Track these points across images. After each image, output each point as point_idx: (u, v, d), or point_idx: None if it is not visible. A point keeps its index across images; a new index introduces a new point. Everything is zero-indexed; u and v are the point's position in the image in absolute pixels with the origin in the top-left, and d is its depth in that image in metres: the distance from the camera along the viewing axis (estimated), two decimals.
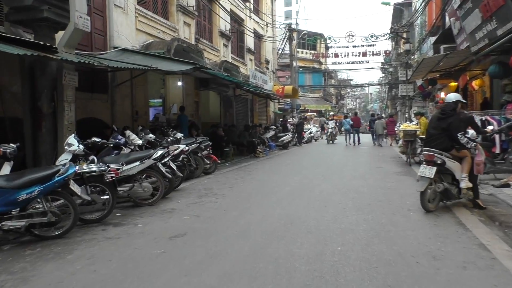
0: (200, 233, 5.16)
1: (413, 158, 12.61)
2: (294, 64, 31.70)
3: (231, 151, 15.38)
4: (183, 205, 6.92)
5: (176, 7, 15.22)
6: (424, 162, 6.31)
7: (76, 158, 6.34)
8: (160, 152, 6.96)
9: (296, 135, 24.30)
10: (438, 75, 16.71)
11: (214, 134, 15.37)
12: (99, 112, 11.09)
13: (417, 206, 6.34)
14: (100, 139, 6.98)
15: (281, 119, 27.86)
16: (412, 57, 27.02)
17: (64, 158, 6.20)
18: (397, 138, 21.98)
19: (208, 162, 10.66)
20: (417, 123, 15.05)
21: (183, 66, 10.84)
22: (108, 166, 5.86)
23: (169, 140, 10.23)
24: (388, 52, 36.15)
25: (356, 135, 23.29)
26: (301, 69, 43.69)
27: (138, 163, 6.68)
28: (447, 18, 15.49)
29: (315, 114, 46.38)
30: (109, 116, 11.57)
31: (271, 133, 21.26)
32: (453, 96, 6.56)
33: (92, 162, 6.33)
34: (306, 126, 30.09)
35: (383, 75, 61.39)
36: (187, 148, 9.18)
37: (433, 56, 12.08)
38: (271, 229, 5.29)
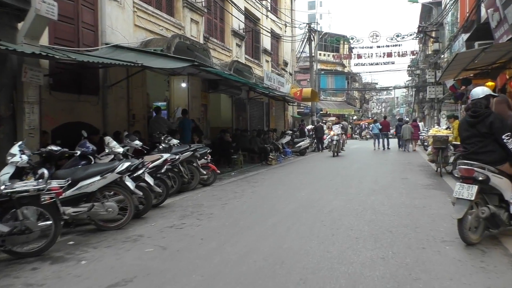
0: (152, 279, 3.74)
1: (445, 167, 10.87)
2: (314, 66, 30.10)
3: (239, 158, 13.98)
4: (156, 230, 5.54)
5: (183, 3, 13.97)
6: (460, 180, 4.74)
7: (22, 172, 5.09)
8: (126, 164, 5.59)
9: (316, 140, 22.71)
10: (472, 75, 14.83)
11: (221, 139, 14.03)
12: (87, 115, 9.89)
13: (454, 234, 4.77)
14: (59, 148, 5.69)
15: (299, 124, 26.29)
16: (442, 56, 24.99)
17: (5, 172, 4.94)
18: (425, 144, 20.11)
19: (205, 172, 9.28)
20: (448, 128, 13.28)
21: (178, 63, 9.54)
22: (48, 184, 4.53)
23: (161, 147, 8.93)
24: (415, 52, 34.00)
25: (385, 139, 22.62)
26: (322, 72, 42.02)
27: (98, 177, 5.35)
28: (483, 10, 13.66)
29: (335, 118, 44.54)
30: (100, 120, 10.36)
31: (287, 138, 19.75)
32: (480, 91, 4.95)
33: (41, 177, 5.04)
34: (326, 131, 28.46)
35: (410, 78, 58.92)
36: (175, 157, 7.83)
37: (469, 51, 10.39)
38: (252, 273, 3.83)
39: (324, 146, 23.80)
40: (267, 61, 22.98)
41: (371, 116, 69.09)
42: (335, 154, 18.21)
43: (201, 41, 15.05)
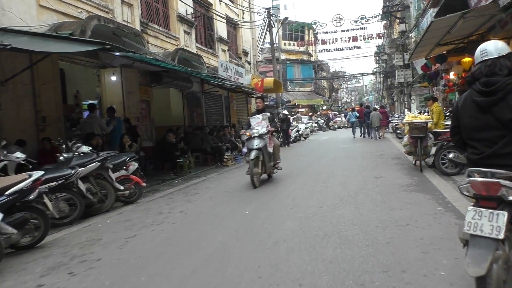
0: None
1: (424, 160, 9.00)
2: (278, 55, 28.06)
3: (186, 162, 11.76)
4: None
5: None
6: (474, 202, 2.73)
7: None
8: None
9: (281, 134, 20.69)
10: (445, 52, 13.08)
11: (163, 141, 11.79)
12: None
13: (463, 281, 2.79)
14: None
15: None
16: (409, 36, 23.34)
17: None
18: (399, 132, 18.41)
19: (123, 188, 7.03)
20: (424, 112, 11.46)
21: (82, 47, 7.27)
22: None
23: (61, 158, 6.64)
24: (381, 34, 32.37)
25: (363, 127, 22.36)
26: (288, 62, 40.10)
27: None
28: None
29: (305, 109, 42.85)
30: None
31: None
32: (493, 47, 2.83)
33: None
34: (294, 124, 26.57)
35: (377, 65, 57.74)
36: (66, 173, 5.58)
37: (445, 17, 8.50)
38: None
39: (291, 139, 21.89)
40: (223, 50, 20.74)
41: (340, 106, 67.89)
42: (255, 184, 8.03)
43: (138, 27, 12.71)
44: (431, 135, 8.77)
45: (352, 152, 14.09)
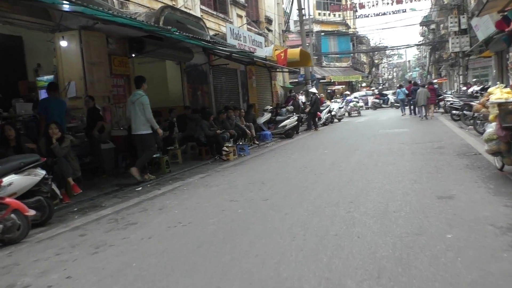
0: None
1: None
2: (311, 26, 24.10)
3: (164, 158, 8.51)
4: None
5: None
6: None
7: None
8: None
9: (307, 117, 17.06)
10: None
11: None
12: None
13: None
14: None
15: (288, 97, 20.53)
16: None
17: None
18: (455, 113, 14.37)
19: None
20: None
21: None
22: None
23: None
24: None
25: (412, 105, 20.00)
26: (323, 33, 35.78)
27: None
28: None
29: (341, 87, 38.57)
30: None
31: (266, 117, 14.24)
32: None
33: None
34: (327, 103, 22.83)
35: (422, 38, 51.85)
36: None
37: None
38: None
39: (321, 122, 18.27)
40: (239, 16, 17.17)
41: (382, 83, 62.36)
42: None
43: None
44: None
45: (397, 142, 10.33)
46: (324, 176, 6.79)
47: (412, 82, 23.39)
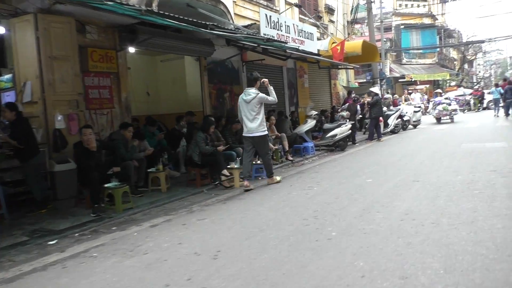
0: None
1: None
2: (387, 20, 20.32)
3: (119, 191, 5.90)
4: None
5: None
6: None
7: None
8: None
9: (367, 124, 13.54)
10: None
11: (79, 145, 6.13)
12: None
13: None
14: None
15: (345, 99, 16.94)
16: None
17: None
18: None
19: None
20: None
21: None
22: None
23: None
24: None
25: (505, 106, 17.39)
26: (402, 26, 31.18)
27: None
28: None
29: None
30: None
31: (308, 125, 11.13)
32: None
33: None
34: (402, 105, 18.85)
35: None
36: None
37: None
38: None
39: (388, 129, 14.65)
40: (289, 4, 14.24)
41: (476, 81, 54.30)
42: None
43: None
44: None
45: (484, 169, 6.66)
46: (328, 246, 3.70)
47: (507, 80, 18.69)
